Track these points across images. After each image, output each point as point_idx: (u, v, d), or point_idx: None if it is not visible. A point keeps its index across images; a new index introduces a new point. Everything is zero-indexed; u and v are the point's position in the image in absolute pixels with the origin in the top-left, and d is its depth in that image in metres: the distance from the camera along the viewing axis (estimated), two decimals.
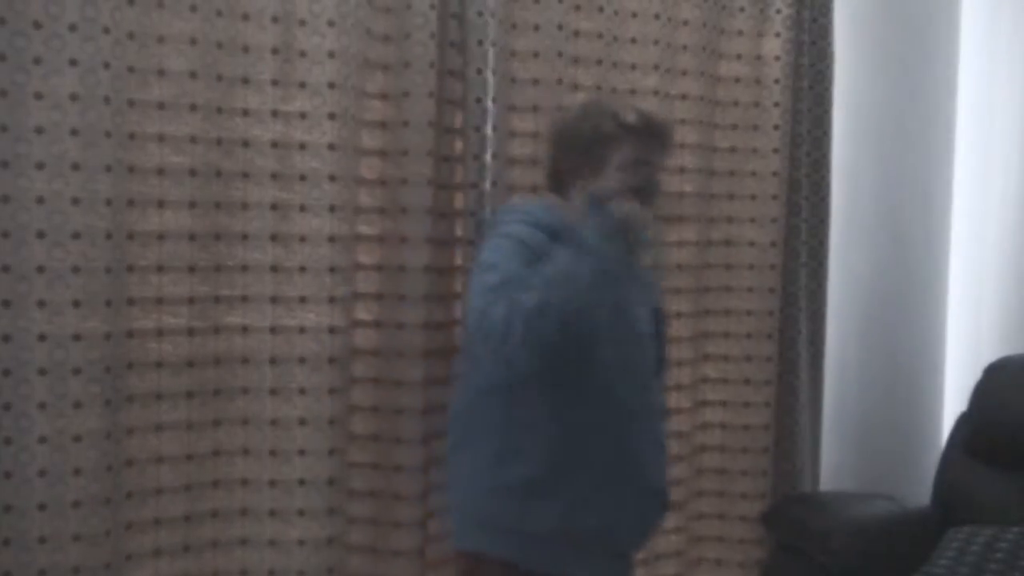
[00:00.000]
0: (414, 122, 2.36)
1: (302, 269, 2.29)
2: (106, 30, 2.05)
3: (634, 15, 2.64)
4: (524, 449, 1.85)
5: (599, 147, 1.92)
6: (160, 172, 2.18)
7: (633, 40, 2.64)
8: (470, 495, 1.93)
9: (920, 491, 2.93)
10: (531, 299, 1.68)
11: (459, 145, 2.47)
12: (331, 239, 2.29)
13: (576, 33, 2.57)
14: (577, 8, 2.57)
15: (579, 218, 1.87)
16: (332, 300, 2.30)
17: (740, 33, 2.81)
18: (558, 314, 1.69)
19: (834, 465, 3.06)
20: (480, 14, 2.41)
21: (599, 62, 2.61)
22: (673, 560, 2.80)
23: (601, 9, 2.60)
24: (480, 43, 2.42)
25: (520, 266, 1.76)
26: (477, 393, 1.92)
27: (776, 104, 2.81)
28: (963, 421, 2.82)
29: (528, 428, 1.87)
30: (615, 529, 1.92)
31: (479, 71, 2.43)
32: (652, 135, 1.93)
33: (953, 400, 3.15)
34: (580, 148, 1.95)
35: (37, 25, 1.99)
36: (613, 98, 2.39)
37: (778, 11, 2.80)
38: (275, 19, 2.24)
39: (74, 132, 2.03)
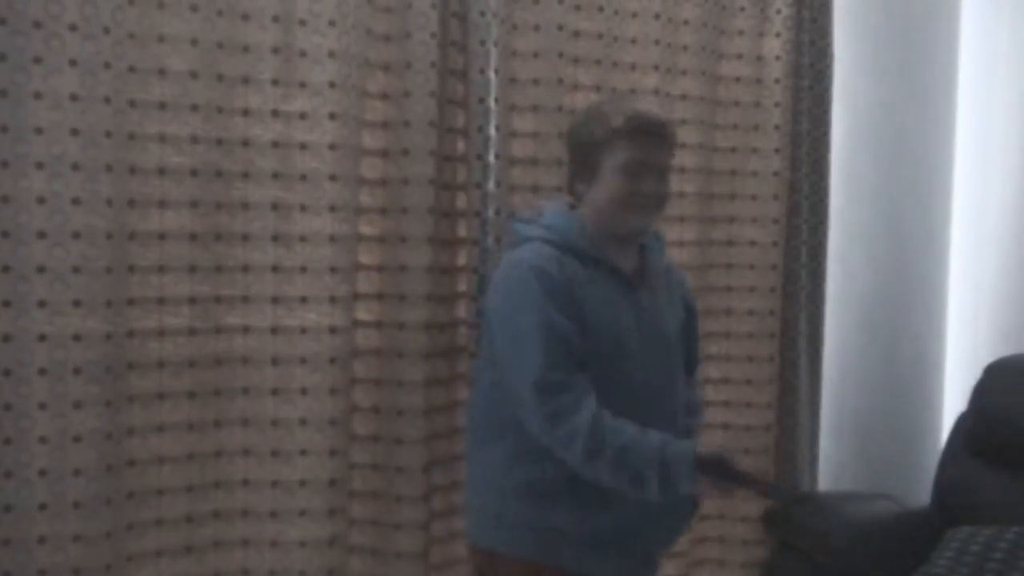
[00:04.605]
0: (415, 122, 2.36)
1: (303, 269, 2.28)
2: (106, 30, 2.05)
3: (634, 15, 2.64)
4: (540, 449, 1.85)
5: (592, 152, 1.91)
6: (161, 172, 2.18)
7: (633, 40, 2.64)
8: (486, 494, 1.94)
9: (920, 491, 2.93)
10: (605, 452, 1.78)
11: (461, 145, 2.47)
12: (332, 239, 2.29)
13: (576, 33, 2.57)
14: (577, 8, 2.57)
15: (591, 225, 1.93)
16: (333, 300, 2.30)
17: (741, 33, 2.81)
18: (617, 477, 1.80)
19: (834, 465, 3.06)
20: (483, 14, 2.41)
21: (599, 62, 2.60)
22: (675, 560, 2.80)
23: (601, 9, 2.60)
24: (483, 43, 2.41)
25: (558, 319, 1.82)
26: (492, 394, 1.92)
27: (777, 104, 2.81)
28: (963, 421, 2.82)
29: None
30: (634, 531, 1.91)
31: (482, 71, 2.42)
32: (644, 137, 1.89)
33: (953, 400, 3.16)
34: (578, 153, 1.96)
35: (37, 25, 1.99)
36: (619, 98, 2.36)
37: (778, 11, 2.80)
38: (275, 19, 2.24)
39: (74, 132, 2.03)
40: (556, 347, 1.81)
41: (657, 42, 2.66)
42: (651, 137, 1.90)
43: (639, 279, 1.97)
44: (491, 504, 1.93)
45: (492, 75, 2.43)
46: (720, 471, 1.78)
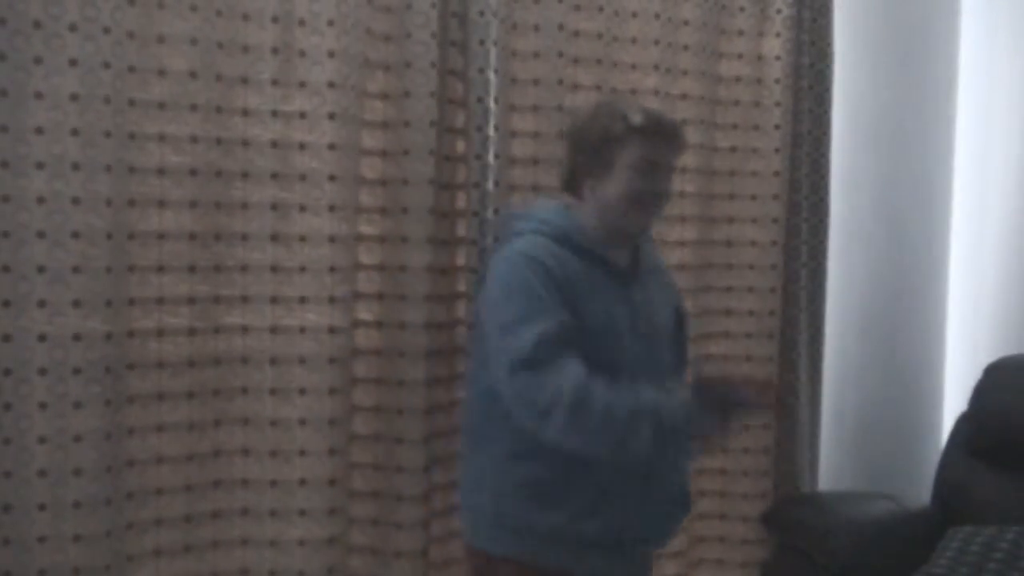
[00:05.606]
0: (415, 122, 2.36)
1: (302, 269, 2.28)
2: (106, 30, 2.05)
3: (634, 15, 2.64)
4: (535, 450, 1.86)
5: (607, 148, 1.92)
6: (160, 172, 2.18)
7: (633, 40, 2.64)
8: (483, 495, 1.94)
9: (920, 491, 2.93)
10: (593, 406, 1.75)
11: (461, 145, 2.47)
12: (331, 239, 2.29)
13: (576, 33, 2.57)
14: (577, 8, 2.57)
15: (592, 221, 1.93)
16: (332, 300, 2.30)
17: (741, 33, 2.81)
18: (607, 437, 1.77)
19: (834, 465, 3.06)
20: (481, 13, 2.41)
21: (599, 62, 2.60)
22: (675, 560, 2.80)
23: (601, 9, 2.60)
24: (482, 43, 2.42)
25: (552, 305, 1.81)
26: (488, 395, 1.91)
27: (777, 104, 2.81)
28: (963, 421, 2.82)
29: None
30: (630, 530, 1.92)
31: (481, 71, 2.42)
32: (660, 136, 1.92)
33: (953, 400, 3.16)
34: (590, 148, 1.95)
35: (37, 25, 1.99)
36: (625, 98, 2.41)
37: (778, 11, 2.80)
38: (275, 19, 2.24)
39: (74, 132, 2.03)
40: (547, 331, 1.79)
41: (657, 42, 2.66)
42: (667, 137, 1.93)
43: (632, 275, 1.98)
44: (488, 505, 1.93)
45: (491, 75, 2.43)
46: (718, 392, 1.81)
